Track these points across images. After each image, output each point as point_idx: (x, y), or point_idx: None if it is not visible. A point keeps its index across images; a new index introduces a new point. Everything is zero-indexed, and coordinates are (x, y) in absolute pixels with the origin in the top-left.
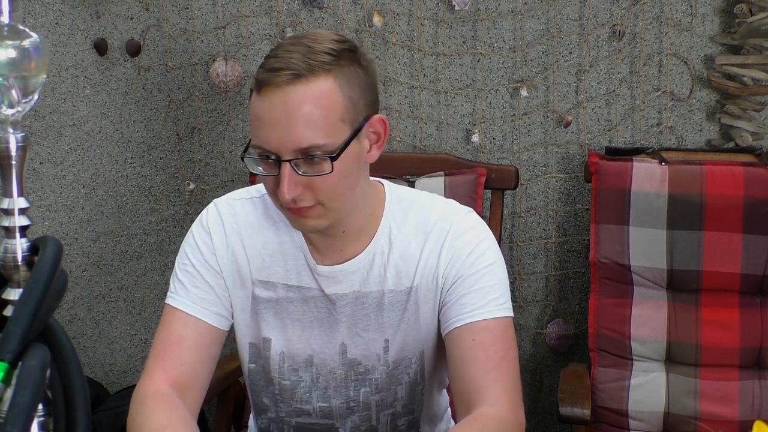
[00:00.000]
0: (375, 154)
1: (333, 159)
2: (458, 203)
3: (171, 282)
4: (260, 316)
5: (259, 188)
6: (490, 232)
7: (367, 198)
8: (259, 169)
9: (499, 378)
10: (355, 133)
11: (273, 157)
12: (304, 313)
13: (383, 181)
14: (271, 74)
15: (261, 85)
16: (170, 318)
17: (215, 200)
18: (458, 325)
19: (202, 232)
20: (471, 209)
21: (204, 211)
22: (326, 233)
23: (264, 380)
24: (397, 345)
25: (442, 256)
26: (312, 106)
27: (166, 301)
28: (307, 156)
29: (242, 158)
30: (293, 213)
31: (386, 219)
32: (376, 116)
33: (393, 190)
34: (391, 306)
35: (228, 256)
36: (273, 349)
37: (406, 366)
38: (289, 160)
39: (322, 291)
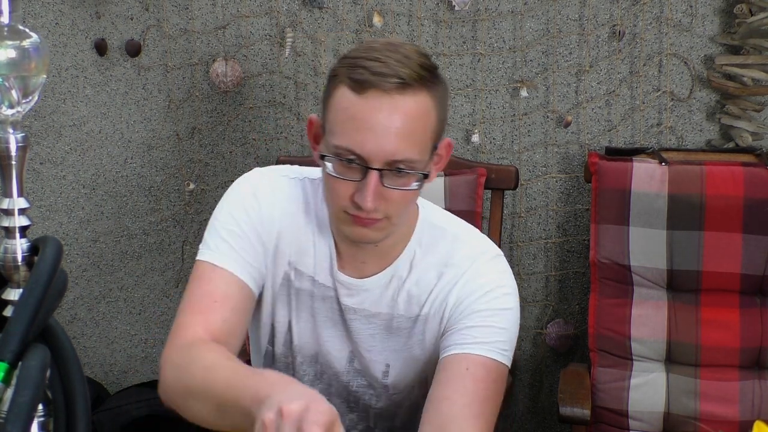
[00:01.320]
0: (433, 176)
1: (425, 176)
2: (491, 242)
3: (208, 239)
4: (286, 300)
5: (302, 170)
6: (514, 281)
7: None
8: (332, 169)
9: (480, 416)
10: (433, 153)
11: (357, 161)
12: (319, 310)
13: (420, 201)
14: (378, 78)
15: (363, 86)
16: (212, 275)
17: (260, 170)
18: (456, 352)
19: (250, 197)
20: (501, 253)
21: (249, 178)
22: (360, 244)
23: (272, 368)
24: (396, 371)
25: (454, 290)
26: (414, 120)
27: (202, 258)
28: (395, 168)
29: (322, 157)
30: (357, 222)
31: (412, 242)
32: (446, 139)
33: (427, 213)
34: (398, 331)
35: (273, 231)
36: (286, 336)
37: (408, 392)
38: (379, 169)
39: (337, 297)
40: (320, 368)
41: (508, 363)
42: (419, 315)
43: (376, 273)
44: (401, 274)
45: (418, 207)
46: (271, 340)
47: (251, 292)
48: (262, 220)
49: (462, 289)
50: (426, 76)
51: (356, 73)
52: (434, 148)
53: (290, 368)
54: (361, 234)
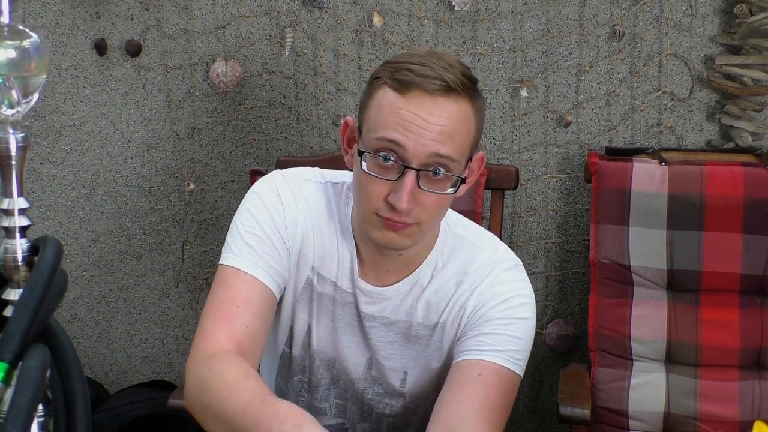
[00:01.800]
0: (462, 190)
1: (462, 181)
2: (510, 252)
3: (231, 243)
4: (307, 304)
5: (324, 173)
6: (531, 291)
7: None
8: (368, 167)
9: (489, 422)
10: (468, 162)
11: (393, 159)
12: (339, 316)
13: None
14: (422, 79)
15: (407, 87)
16: (235, 279)
17: (283, 173)
18: (470, 357)
19: (274, 200)
20: (520, 262)
21: (271, 180)
22: (385, 251)
23: (288, 369)
24: (414, 379)
25: (472, 297)
26: (455, 122)
27: (225, 263)
28: (433, 169)
29: (360, 153)
30: (388, 226)
31: (435, 253)
32: (480, 153)
33: (449, 223)
34: (416, 339)
35: (297, 235)
36: (305, 340)
37: (424, 400)
38: (417, 170)
39: (357, 304)
40: (336, 373)
41: (521, 373)
42: (437, 323)
43: (397, 281)
44: (422, 283)
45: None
46: (289, 342)
47: (273, 297)
48: (286, 224)
49: (480, 297)
50: (468, 84)
51: (400, 74)
52: (470, 158)
53: (306, 371)
54: (389, 239)
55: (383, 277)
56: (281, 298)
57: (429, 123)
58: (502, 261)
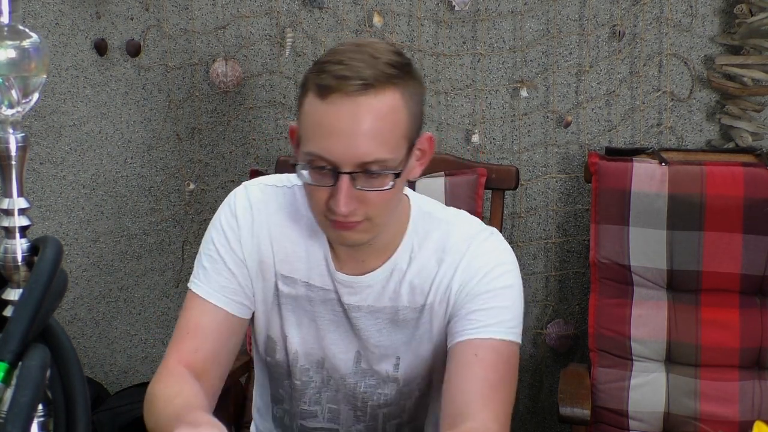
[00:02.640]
0: (418, 172)
1: (397, 176)
2: (482, 223)
3: (195, 266)
4: (280, 310)
5: (291, 178)
6: (512, 256)
7: (398, 212)
8: (306, 176)
9: (493, 400)
10: (410, 150)
11: (328, 167)
12: (320, 314)
13: (407, 192)
14: (339, 81)
15: (327, 91)
16: (190, 304)
17: (246, 183)
18: (462, 339)
19: (229, 216)
20: (495, 230)
21: (232, 195)
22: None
23: (276, 375)
24: (407, 363)
25: (456, 275)
26: (380, 120)
27: (188, 286)
28: (366, 170)
29: (293, 165)
30: (338, 227)
31: (409, 235)
32: (426, 134)
33: (417, 203)
34: (404, 323)
35: (253, 245)
36: (289, 347)
37: (418, 383)
38: (349, 173)
39: (339, 298)
40: (327, 374)
41: (517, 339)
42: (425, 305)
43: (376, 268)
44: (401, 266)
45: (409, 198)
46: (271, 352)
47: (229, 317)
48: (240, 239)
49: (464, 274)
50: (393, 73)
51: (321, 78)
52: (411, 145)
53: (292, 376)
54: (344, 237)
55: (360, 266)
56: (255, 311)
57: (352, 128)
58: (478, 233)
